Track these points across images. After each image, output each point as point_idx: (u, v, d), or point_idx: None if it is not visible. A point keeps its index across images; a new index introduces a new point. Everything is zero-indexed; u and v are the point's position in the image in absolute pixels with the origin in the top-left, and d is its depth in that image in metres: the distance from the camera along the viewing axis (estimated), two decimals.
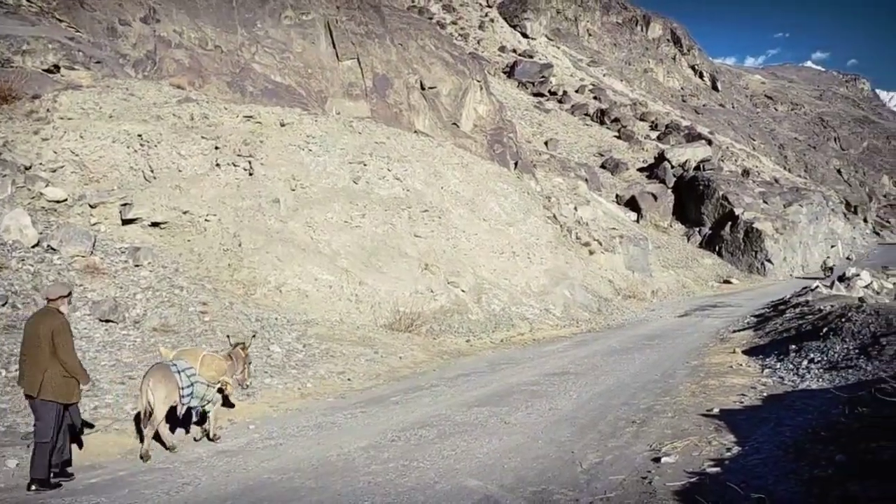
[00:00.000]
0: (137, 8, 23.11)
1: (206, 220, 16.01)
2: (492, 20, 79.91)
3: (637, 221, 44.68)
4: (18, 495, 6.67)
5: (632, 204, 47.56)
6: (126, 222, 15.06)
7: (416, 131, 28.81)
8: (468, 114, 35.14)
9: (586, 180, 44.31)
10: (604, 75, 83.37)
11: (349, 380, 12.20)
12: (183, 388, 7.78)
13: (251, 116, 19.62)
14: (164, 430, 7.98)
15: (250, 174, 17.64)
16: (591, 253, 30.40)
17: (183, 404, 7.92)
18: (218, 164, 17.32)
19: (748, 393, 10.44)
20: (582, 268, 28.05)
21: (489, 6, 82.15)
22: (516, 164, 35.51)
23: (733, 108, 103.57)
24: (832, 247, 50.25)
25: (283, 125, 19.90)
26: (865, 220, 76.47)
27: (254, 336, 10.41)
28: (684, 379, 12.05)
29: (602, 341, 18.31)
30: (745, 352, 14.73)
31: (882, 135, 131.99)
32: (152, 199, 15.56)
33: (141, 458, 7.61)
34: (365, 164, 20.41)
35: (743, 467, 6.76)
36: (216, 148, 17.58)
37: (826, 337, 13.20)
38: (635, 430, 8.54)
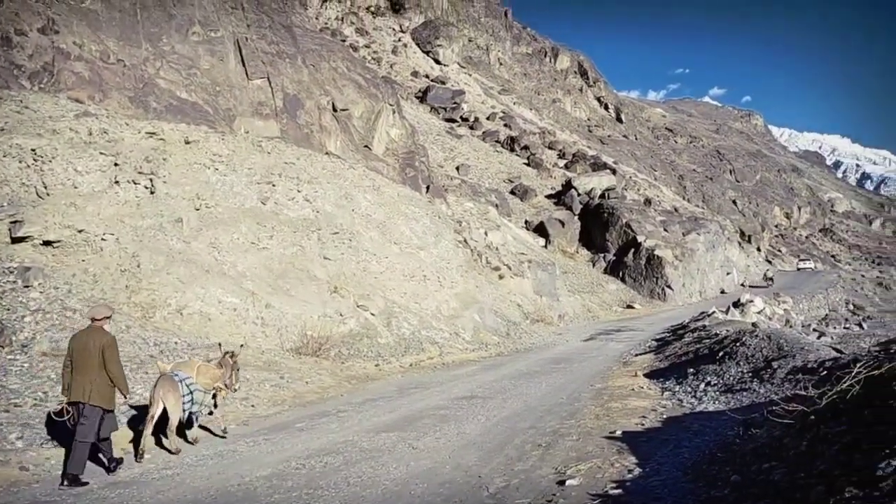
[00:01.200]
0: (35, 18, 22.06)
1: (102, 239, 15.27)
2: (405, 45, 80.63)
3: (545, 247, 45.63)
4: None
5: (540, 230, 48.58)
6: (15, 241, 14.18)
7: (327, 153, 28.57)
8: (380, 137, 35.16)
9: (497, 206, 45.02)
10: (514, 103, 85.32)
11: (252, 406, 11.80)
12: (184, 396, 8.67)
13: (154, 133, 18.94)
14: (173, 434, 8.74)
15: (152, 192, 17.00)
16: (500, 277, 30.78)
17: (184, 410, 8.75)
18: (117, 182, 16.61)
19: (649, 415, 10.73)
20: (492, 292, 28.35)
21: (402, 32, 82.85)
22: (428, 188, 35.73)
23: (636, 139, 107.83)
24: (727, 274, 52.75)
25: (188, 143, 19.30)
26: (758, 249, 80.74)
27: (242, 346, 11.39)
28: (589, 402, 12.28)
29: (510, 365, 18.47)
30: (646, 375, 15.17)
31: (773, 168, 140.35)
32: (45, 217, 14.73)
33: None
34: (274, 185, 20.03)
35: (644, 489, 6.90)
36: (116, 164, 16.87)
37: (722, 361, 13.75)
38: (541, 454, 8.60)
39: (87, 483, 7.48)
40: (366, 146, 33.34)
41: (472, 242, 30.90)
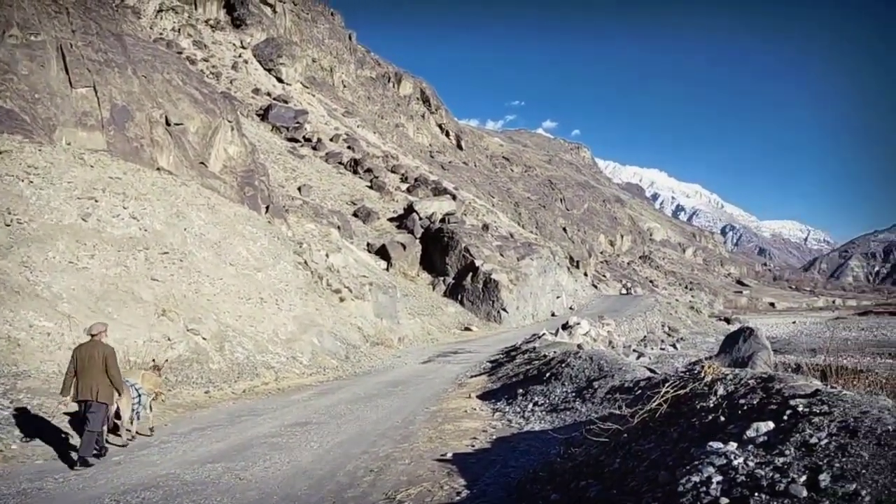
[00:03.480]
0: None
1: None
2: (246, 61, 78.62)
3: (387, 270, 45.83)
4: None
5: (382, 252, 48.76)
6: None
7: (158, 168, 27.13)
8: (218, 154, 33.93)
9: (339, 227, 44.72)
10: (358, 126, 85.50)
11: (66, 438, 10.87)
12: (133, 398, 10.82)
13: None
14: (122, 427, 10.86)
15: None
16: (341, 300, 30.51)
17: (134, 409, 10.87)
18: None
19: (479, 436, 11.01)
20: (332, 315, 28.03)
21: (243, 48, 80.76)
22: (268, 208, 34.86)
23: (476, 166, 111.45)
24: (557, 297, 55.43)
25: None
26: (586, 274, 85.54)
27: (166, 361, 14.20)
28: (423, 425, 12.40)
29: (348, 389, 18.30)
30: (479, 396, 15.56)
31: (600, 198, 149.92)
32: None
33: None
34: (97, 200, 18.74)
35: None
36: None
37: (549, 381, 14.40)
38: (372, 479, 8.57)
39: (93, 464, 9.33)
40: (201, 163, 32.01)
41: (313, 264, 30.45)
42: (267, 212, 33.87)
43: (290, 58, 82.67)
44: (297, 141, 67.70)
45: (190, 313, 18.69)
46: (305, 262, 29.24)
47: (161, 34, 68.44)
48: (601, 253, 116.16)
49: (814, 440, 5.02)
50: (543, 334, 26.71)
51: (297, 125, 70.02)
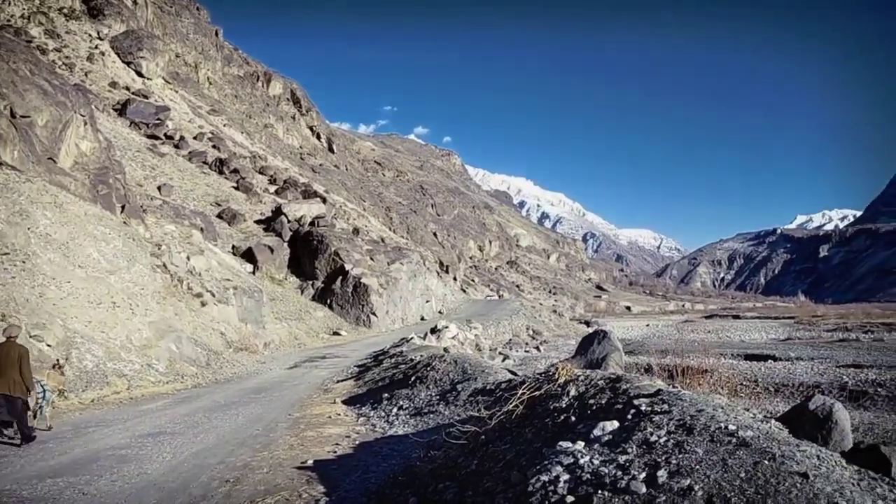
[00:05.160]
0: None
1: None
2: (102, 53, 74.03)
3: (253, 273, 44.57)
4: None
5: (248, 255, 47.37)
6: None
7: (1, 163, 25.08)
8: (69, 149, 31.75)
9: (202, 229, 43.01)
10: (224, 125, 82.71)
11: None
12: (38, 394, 11.96)
13: None
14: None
15: None
16: (203, 304, 29.39)
17: (38, 404, 11.98)
18: None
19: (342, 442, 10.91)
20: (192, 320, 26.95)
21: (100, 39, 76.00)
22: (123, 207, 32.99)
23: (347, 169, 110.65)
24: (427, 302, 55.98)
25: None
26: (455, 279, 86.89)
27: (66, 360, 15.89)
28: (285, 432, 12.14)
29: (207, 397, 17.63)
30: (344, 401, 15.43)
31: (469, 204, 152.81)
32: None
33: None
34: None
35: None
36: None
37: (414, 385, 14.50)
38: (228, 490, 8.29)
39: (35, 437, 11.11)
40: (50, 158, 29.81)
41: (173, 267, 29.15)
42: (122, 211, 32.04)
43: (152, 51, 78.62)
44: (157, 138, 64.37)
45: (33, 319, 17.40)
46: (164, 265, 27.95)
47: (9, 21, 63.29)
48: (470, 258, 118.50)
49: (654, 438, 5.30)
50: (412, 338, 26.88)
51: (157, 122, 66.59)
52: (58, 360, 14.66)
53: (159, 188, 50.80)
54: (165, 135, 66.24)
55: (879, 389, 20.34)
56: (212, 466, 9.57)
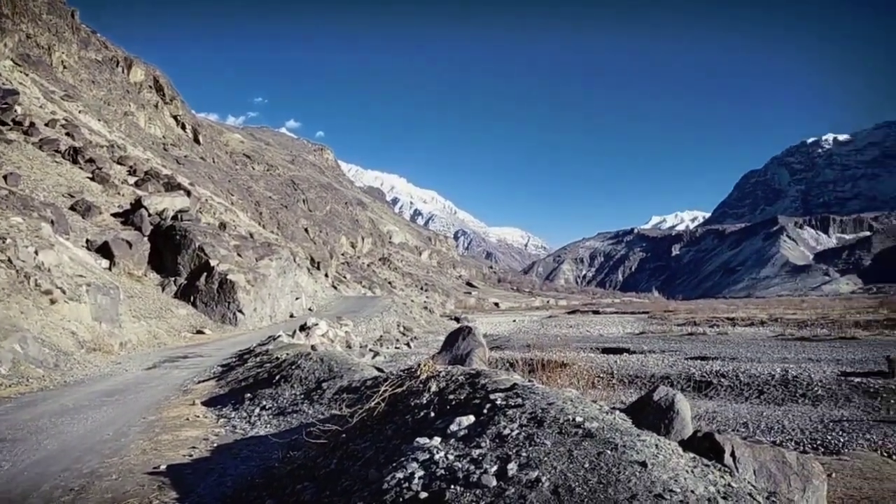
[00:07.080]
0: None
1: None
2: None
3: (109, 269, 42.07)
4: None
5: (104, 250, 44.63)
6: None
7: None
8: None
9: (53, 222, 40.09)
10: (80, 112, 77.60)
11: None
12: None
13: None
14: None
15: None
16: (52, 302, 27.48)
17: None
18: None
19: (200, 445, 10.55)
20: (40, 318, 25.16)
21: None
22: None
23: (214, 162, 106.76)
24: (297, 299, 55.04)
25: None
26: (326, 275, 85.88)
27: None
28: (138, 436, 11.58)
29: (55, 400, 16.52)
30: (204, 403, 14.92)
31: (342, 200, 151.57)
32: None
33: None
34: None
35: None
36: None
37: (278, 384, 14.25)
38: (72, 499, 7.79)
39: None
40: None
41: (19, 262, 27.07)
42: None
43: None
44: (4, 124, 59.32)
45: None
46: (9, 260, 25.96)
47: None
48: (342, 255, 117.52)
49: (507, 431, 5.47)
50: (279, 336, 26.35)
51: (5, 106, 61.50)
52: None
53: (5, 177, 46.91)
54: (13, 120, 61.22)
55: (722, 380, 21.93)
56: (55, 475, 8.98)
